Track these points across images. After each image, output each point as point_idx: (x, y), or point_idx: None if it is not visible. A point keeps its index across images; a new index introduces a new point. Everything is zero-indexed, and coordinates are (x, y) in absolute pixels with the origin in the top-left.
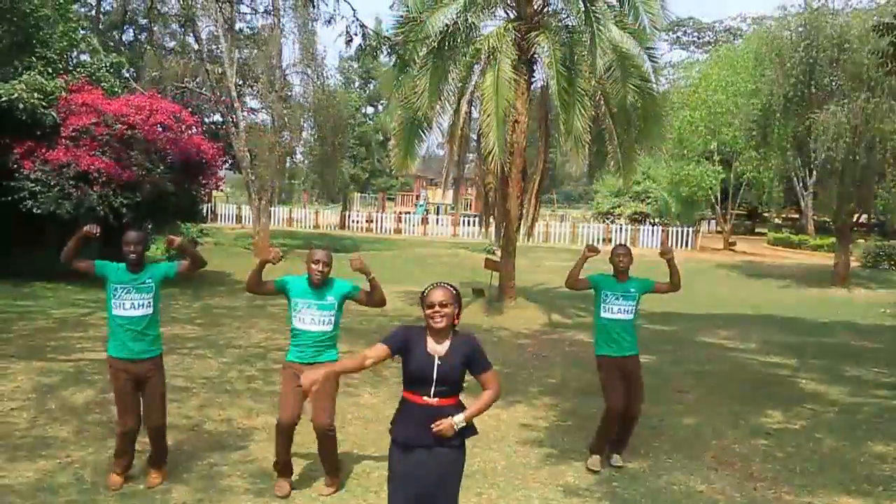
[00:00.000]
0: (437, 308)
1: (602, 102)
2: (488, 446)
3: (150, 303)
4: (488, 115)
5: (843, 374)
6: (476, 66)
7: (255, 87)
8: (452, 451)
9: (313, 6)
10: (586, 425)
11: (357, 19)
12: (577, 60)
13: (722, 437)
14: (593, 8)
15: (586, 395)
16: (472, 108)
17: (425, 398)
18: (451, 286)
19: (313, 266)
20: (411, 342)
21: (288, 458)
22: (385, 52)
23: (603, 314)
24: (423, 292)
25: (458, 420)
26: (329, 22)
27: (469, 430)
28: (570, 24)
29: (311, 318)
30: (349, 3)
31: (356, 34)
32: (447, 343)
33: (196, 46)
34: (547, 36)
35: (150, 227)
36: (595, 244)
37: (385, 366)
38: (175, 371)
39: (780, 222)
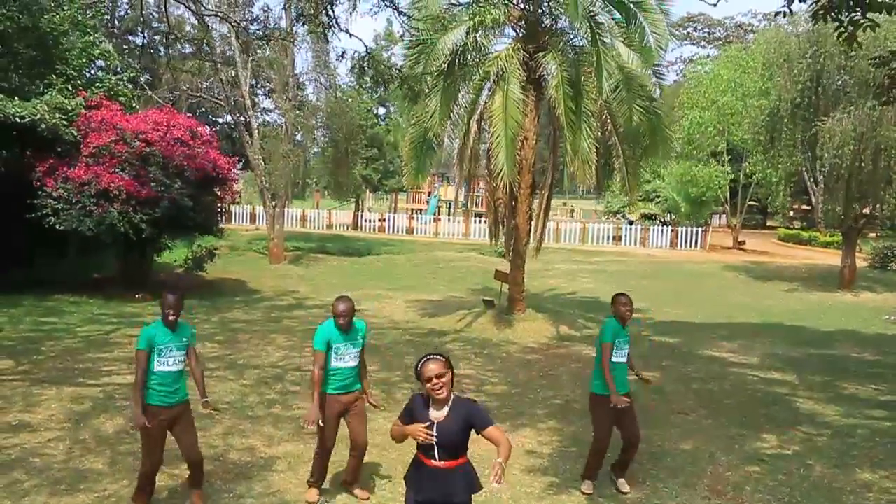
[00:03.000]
0: (434, 380)
1: (608, 121)
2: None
3: (183, 358)
4: (497, 136)
5: (841, 392)
6: (486, 84)
7: (267, 87)
8: None
9: (326, 41)
10: (587, 452)
11: (368, 53)
12: (583, 81)
13: (717, 464)
14: (599, 31)
15: (589, 417)
16: (482, 125)
17: (432, 461)
18: (441, 356)
19: (341, 320)
20: (415, 410)
21: (324, 475)
22: (396, 84)
23: (614, 359)
24: (417, 366)
25: (502, 461)
26: (341, 57)
27: (476, 486)
28: (578, 43)
29: (349, 355)
30: (361, 40)
31: (367, 66)
32: (446, 408)
33: (209, 49)
34: (554, 57)
35: (167, 239)
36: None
37: (398, 388)
38: (198, 395)
39: (791, 214)
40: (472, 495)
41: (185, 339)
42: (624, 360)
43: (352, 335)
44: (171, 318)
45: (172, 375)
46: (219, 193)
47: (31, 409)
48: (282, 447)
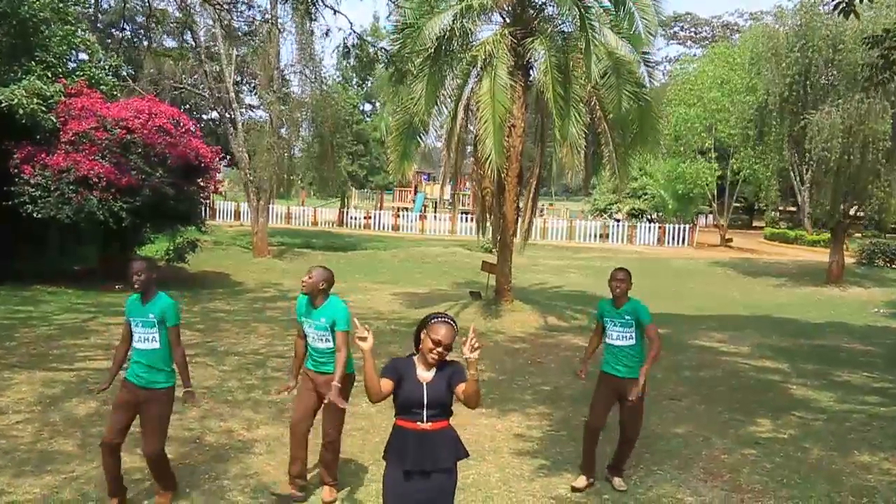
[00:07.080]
0: (440, 347)
1: (597, 107)
2: (483, 458)
3: (154, 338)
4: (485, 122)
5: (834, 379)
6: (473, 71)
7: (252, 84)
8: (447, 474)
9: (311, 20)
10: (578, 435)
11: (354, 31)
12: (572, 67)
13: (712, 447)
14: (588, 15)
15: (579, 402)
16: (469, 112)
17: (419, 423)
18: (454, 323)
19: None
20: (403, 372)
21: (302, 457)
22: (382, 64)
23: (607, 340)
24: (428, 320)
25: (474, 356)
26: (326, 34)
27: (462, 452)
28: (566, 29)
29: (311, 335)
30: (346, 16)
31: (353, 46)
32: (434, 369)
33: (193, 44)
34: (542, 42)
35: (148, 229)
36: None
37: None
38: (177, 381)
39: (777, 216)
40: (458, 466)
41: (151, 316)
42: (620, 343)
43: (315, 314)
44: (135, 284)
45: (142, 354)
46: (201, 183)
47: None
48: (261, 430)
